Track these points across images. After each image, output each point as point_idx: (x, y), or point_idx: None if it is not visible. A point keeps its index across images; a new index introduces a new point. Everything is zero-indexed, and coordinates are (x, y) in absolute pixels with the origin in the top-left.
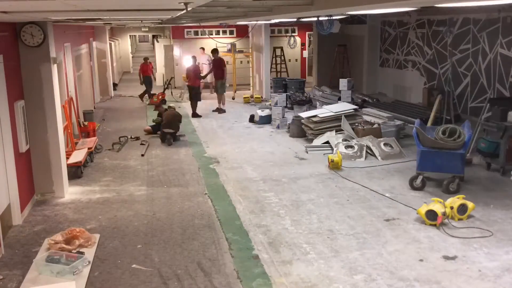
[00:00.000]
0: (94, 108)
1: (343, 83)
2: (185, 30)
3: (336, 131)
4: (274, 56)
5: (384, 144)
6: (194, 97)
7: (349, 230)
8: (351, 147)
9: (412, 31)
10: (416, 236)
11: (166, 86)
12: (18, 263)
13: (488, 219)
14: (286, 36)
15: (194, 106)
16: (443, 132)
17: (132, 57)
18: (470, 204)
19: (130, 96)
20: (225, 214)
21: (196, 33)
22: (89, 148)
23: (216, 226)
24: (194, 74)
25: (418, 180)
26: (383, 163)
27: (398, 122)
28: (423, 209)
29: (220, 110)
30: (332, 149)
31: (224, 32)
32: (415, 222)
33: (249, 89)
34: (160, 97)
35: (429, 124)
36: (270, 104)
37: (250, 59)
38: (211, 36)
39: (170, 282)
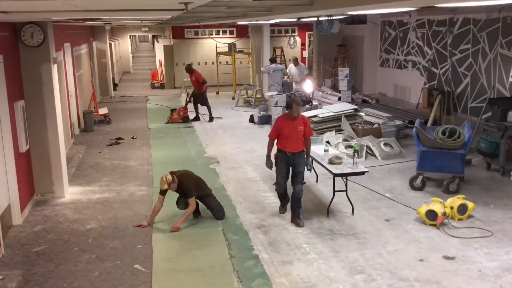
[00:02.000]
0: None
1: (343, 83)
2: (185, 30)
3: (336, 131)
4: (274, 56)
5: (384, 144)
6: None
7: (349, 230)
8: (351, 147)
9: (412, 31)
10: (416, 236)
11: (188, 99)
12: (18, 263)
13: (488, 219)
14: (286, 36)
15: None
16: (442, 133)
17: (132, 57)
18: (470, 204)
19: (130, 96)
20: (225, 214)
21: (196, 33)
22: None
23: (216, 226)
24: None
25: (418, 180)
26: (383, 163)
27: (398, 122)
28: (423, 209)
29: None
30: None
31: (224, 32)
32: (415, 222)
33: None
34: (181, 113)
35: (429, 124)
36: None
37: (250, 59)
38: (211, 36)
39: (170, 282)
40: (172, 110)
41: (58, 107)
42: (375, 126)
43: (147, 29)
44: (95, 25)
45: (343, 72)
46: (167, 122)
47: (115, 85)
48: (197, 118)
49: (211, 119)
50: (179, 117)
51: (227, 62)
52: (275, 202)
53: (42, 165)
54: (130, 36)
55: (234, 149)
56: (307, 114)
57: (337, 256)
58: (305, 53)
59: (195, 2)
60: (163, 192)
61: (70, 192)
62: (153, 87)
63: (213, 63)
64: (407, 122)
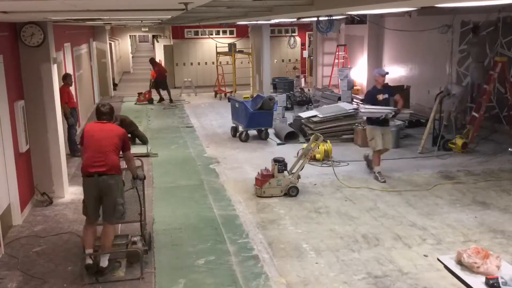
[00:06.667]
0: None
1: (343, 83)
2: (185, 30)
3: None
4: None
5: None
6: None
7: (349, 230)
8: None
9: None
10: (416, 236)
11: (152, 84)
12: (18, 263)
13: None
14: (286, 36)
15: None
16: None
17: (132, 57)
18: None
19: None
20: (225, 214)
21: (196, 33)
22: None
23: (216, 226)
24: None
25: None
26: (383, 162)
27: (398, 122)
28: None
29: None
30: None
31: (224, 32)
32: (414, 221)
33: (249, 89)
34: (146, 95)
35: (429, 124)
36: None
37: (250, 59)
38: (211, 36)
39: (171, 282)
40: (139, 94)
41: (58, 107)
42: None
43: (147, 29)
44: (95, 25)
45: (343, 72)
46: (136, 103)
47: (115, 85)
48: (161, 99)
49: (170, 100)
50: (145, 99)
51: (227, 62)
52: (275, 202)
53: (42, 165)
54: (130, 36)
55: (234, 149)
56: (307, 114)
57: (337, 256)
58: (305, 53)
59: (195, 2)
60: None
61: (70, 192)
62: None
63: (213, 63)
64: (407, 122)
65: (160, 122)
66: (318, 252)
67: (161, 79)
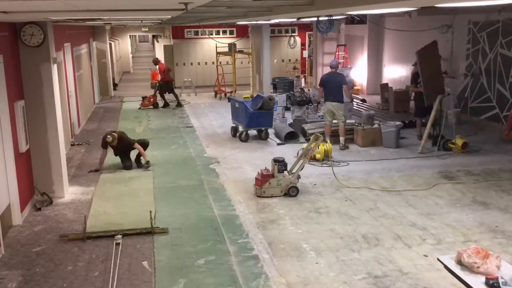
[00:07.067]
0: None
1: None
2: (185, 30)
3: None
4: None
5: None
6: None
7: (349, 230)
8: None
9: None
10: (416, 236)
11: (157, 88)
12: (18, 263)
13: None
14: (286, 36)
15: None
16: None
17: (132, 57)
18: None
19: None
20: (225, 214)
21: (196, 33)
22: None
23: (216, 226)
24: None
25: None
26: (382, 162)
27: (398, 122)
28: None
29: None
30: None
31: (224, 32)
32: (414, 221)
33: (249, 89)
34: (151, 99)
35: (429, 124)
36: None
37: (250, 59)
38: (211, 36)
39: (171, 282)
40: (143, 98)
41: (58, 107)
42: (375, 126)
43: (147, 29)
44: (95, 25)
45: (343, 72)
46: (139, 108)
47: (115, 85)
48: (166, 105)
49: (179, 104)
50: (150, 103)
51: (227, 62)
52: (275, 202)
53: (42, 165)
54: (130, 36)
55: (234, 149)
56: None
57: (337, 256)
58: (305, 53)
59: (195, 2)
60: (105, 146)
61: (70, 192)
62: (153, 87)
63: (213, 63)
64: (407, 122)
65: (160, 122)
66: (318, 252)
67: (166, 82)
